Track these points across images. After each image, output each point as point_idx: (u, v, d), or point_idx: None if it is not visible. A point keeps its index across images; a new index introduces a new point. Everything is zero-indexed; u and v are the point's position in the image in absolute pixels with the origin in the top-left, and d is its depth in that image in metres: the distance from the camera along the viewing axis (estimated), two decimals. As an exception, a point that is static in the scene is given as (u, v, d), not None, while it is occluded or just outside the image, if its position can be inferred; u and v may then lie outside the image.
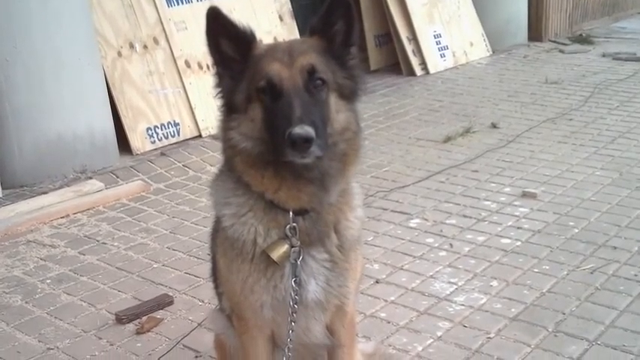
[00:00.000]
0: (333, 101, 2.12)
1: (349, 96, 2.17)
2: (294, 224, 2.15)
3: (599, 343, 3.24)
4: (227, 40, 2.14)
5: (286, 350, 2.25)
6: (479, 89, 7.91)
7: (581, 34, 10.66)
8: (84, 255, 4.34)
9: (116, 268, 4.15)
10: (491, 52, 9.37)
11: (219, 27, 2.13)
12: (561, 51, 9.77)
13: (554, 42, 10.23)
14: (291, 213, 2.14)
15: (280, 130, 1.96)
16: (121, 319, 3.53)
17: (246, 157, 2.12)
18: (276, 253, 2.14)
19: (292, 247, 2.15)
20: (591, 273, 3.87)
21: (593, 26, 11.36)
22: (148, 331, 3.45)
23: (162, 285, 3.93)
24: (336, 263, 2.22)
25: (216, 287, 2.55)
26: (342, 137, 2.13)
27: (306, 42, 2.20)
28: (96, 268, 4.17)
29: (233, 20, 2.15)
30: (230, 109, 2.16)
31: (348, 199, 2.27)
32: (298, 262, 2.16)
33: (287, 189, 2.11)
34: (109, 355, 3.30)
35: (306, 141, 1.93)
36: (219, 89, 2.19)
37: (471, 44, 9.19)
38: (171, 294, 3.79)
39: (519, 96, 7.60)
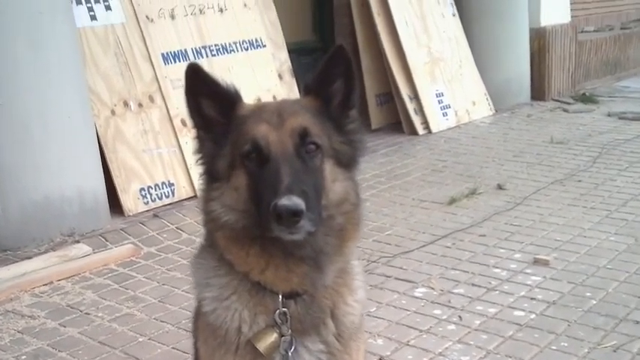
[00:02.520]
0: (329, 169, 1.88)
1: (347, 163, 1.94)
2: (285, 309, 1.88)
3: None
4: (209, 100, 1.92)
5: None
6: (483, 149, 7.72)
7: (584, 93, 10.57)
8: (64, 327, 4.02)
9: (98, 342, 3.84)
10: (494, 111, 9.23)
11: (199, 85, 1.91)
12: (565, 110, 9.65)
13: (558, 101, 10.12)
14: (280, 296, 1.87)
15: (266, 201, 1.72)
16: (99, 403, 3.21)
17: (228, 231, 1.87)
18: (264, 344, 1.87)
19: (282, 336, 1.88)
20: (614, 351, 3.57)
21: (595, 85, 11.29)
22: (128, 417, 3.12)
23: (146, 363, 3.61)
24: (334, 355, 1.94)
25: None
26: (340, 210, 1.88)
27: (299, 102, 1.98)
28: (76, 342, 3.85)
29: (215, 78, 1.93)
30: (212, 178, 1.92)
31: (346, 280, 2.00)
32: (289, 354, 1.88)
33: (275, 269, 1.85)
34: None
35: (295, 214, 1.68)
36: (200, 155, 1.96)
37: (474, 103, 9.06)
38: (155, 373, 3.48)
39: (525, 156, 7.40)
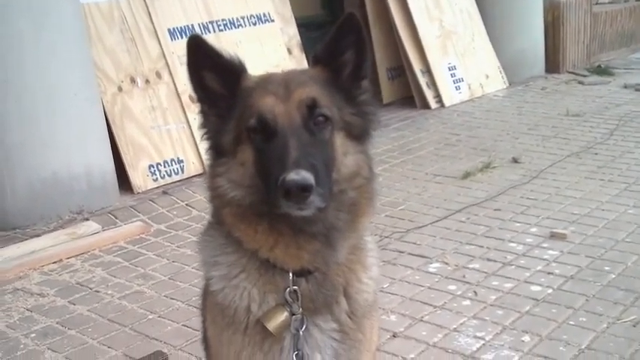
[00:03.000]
0: (340, 142, 1.78)
1: (359, 136, 1.84)
2: (295, 287, 1.79)
3: (651, 410, 2.83)
4: (212, 73, 1.83)
5: None
6: (497, 122, 7.57)
7: (599, 65, 10.35)
8: (74, 305, 3.98)
9: (108, 320, 3.79)
10: (507, 85, 9.06)
11: (201, 58, 1.82)
12: (580, 82, 9.45)
13: (573, 73, 9.92)
14: (291, 274, 1.78)
15: (273, 177, 1.63)
16: (109, 380, 3.16)
17: (235, 208, 1.78)
18: (274, 323, 1.78)
19: (293, 314, 1.79)
20: (634, 326, 3.47)
21: (610, 57, 11.06)
22: (138, 395, 3.07)
23: (156, 340, 3.55)
24: (347, 334, 1.85)
25: (207, 358, 2.18)
26: (351, 184, 1.79)
27: (307, 72, 1.87)
28: (86, 320, 3.80)
29: (218, 49, 1.83)
30: (217, 153, 1.84)
31: (360, 257, 1.91)
32: (300, 333, 1.79)
33: (285, 246, 1.76)
34: None
35: (304, 189, 1.59)
36: (205, 130, 1.87)
37: (487, 76, 8.89)
38: (165, 350, 3.42)
39: (540, 129, 7.24)
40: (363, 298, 1.89)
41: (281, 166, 1.62)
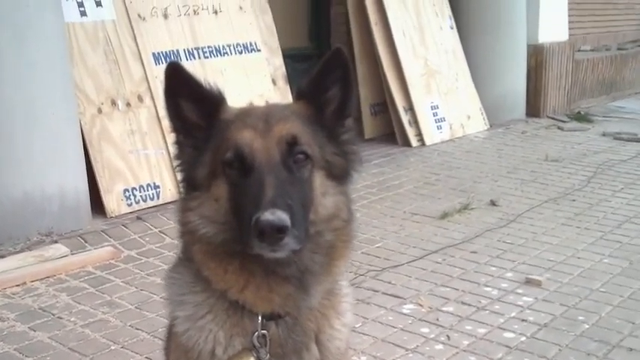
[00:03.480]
0: (319, 181, 1.72)
1: (340, 176, 1.78)
2: (264, 332, 1.72)
3: None
4: (189, 103, 1.77)
5: None
6: (477, 164, 7.59)
7: (579, 112, 10.50)
8: (34, 331, 3.84)
9: (68, 348, 3.66)
10: (488, 126, 9.12)
11: (179, 86, 1.76)
12: (560, 128, 9.56)
13: (553, 118, 10.03)
14: (260, 317, 1.71)
15: (247, 215, 1.56)
16: (64, 414, 3.03)
17: (206, 245, 1.71)
18: None
19: None
20: (607, 379, 3.42)
21: (591, 104, 11.22)
22: None
23: (118, 372, 3.44)
24: None
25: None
26: (329, 226, 1.73)
27: (290, 107, 1.82)
28: (45, 347, 3.67)
29: (197, 78, 1.78)
30: (191, 186, 1.76)
31: (334, 302, 1.84)
32: None
33: (255, 288, 1.69)
34: None
35: (279, 230, 1.52)
36: (179, 161, 1.80)
37: (469, 117, 8.95)
38: (126, 384, 3.30)
39: (519, 173, 7.27)
40: (335, 345, 1.82)
41: (256, 204, 1.56)
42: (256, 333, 1.72)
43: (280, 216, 1.52)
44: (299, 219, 1.58)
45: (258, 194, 1.57)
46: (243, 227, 1.58)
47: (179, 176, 1.83)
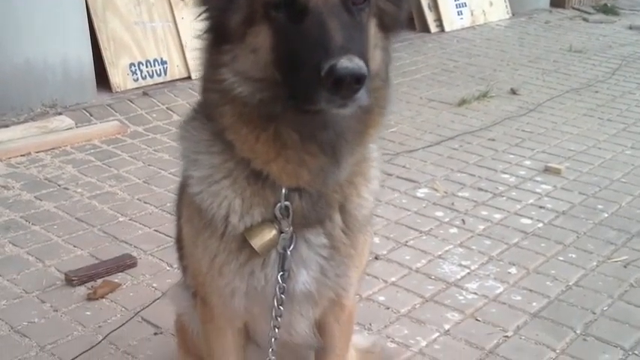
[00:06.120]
0: (373, 30, 1.48)
1: (389, 27, 1.54)
2: (287, 203, 1.55)
3: (636, 353, 2.72)
4: None
5: (270, 353, 1.70)
6: (497, 52, 7.27)
7: (605, 4, 9.99)
8: (40, 200, 3.76)
9: (75, 218, 3.58)
10: (511, 15, 8.71)
11: None
12: (585, 19, 9.12)
13: (578, 10, 9.57)
14: (284, 189, 1.54)
15: (310, 64, 1.31)
16: (72, 280, 2.98)
17: (240, 107, 1.47)
18: (260, 241, 1.56)
19: (282, 232, 1.56)
20: (624, 267, 3.34)
21: (618, -4, 10.67)
22: (102, 297, 2.90)
23: (125, 243, 3.37)
24: (338, 249, 1.64)
25: (180, 258, 1.97)
26: (371, 84, 1.44)
27: None
28: (52, 216, 3.59)
29: None
30: (219, 38, 1.48)
31: (363, 168, 1.66)
32: (288, 253, 1.57)
33: (285, 161, 1.49)
34: (50, 324, 2.75)
35: (358, 80, 1.29)
36: (205, 7, 1.49)
37: (491, 4, 8.52)
38: (135, 254, 3.23)
39: (541, 62, 6.97)
40: (362, 214, 1.66)
41: (324, 51, 1.30)
42: (279, 204, 1.56)
43: (359, 63, 1.28)
44: (368, 69, 1.34)
45: (322, 40, 1.32)
46: (300, 80, 1.35)
47: (203, 25, 1.54)
